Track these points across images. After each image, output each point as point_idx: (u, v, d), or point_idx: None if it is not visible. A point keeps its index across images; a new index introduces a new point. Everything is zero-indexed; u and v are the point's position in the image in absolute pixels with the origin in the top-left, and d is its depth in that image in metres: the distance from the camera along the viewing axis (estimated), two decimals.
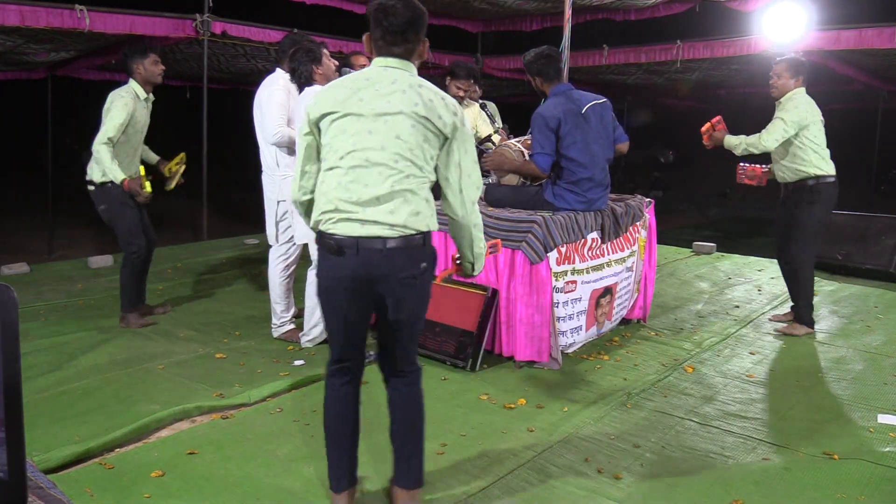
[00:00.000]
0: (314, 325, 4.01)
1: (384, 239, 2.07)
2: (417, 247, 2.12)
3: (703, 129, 4.51)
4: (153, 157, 4.79)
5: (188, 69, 8.38)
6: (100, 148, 4.18)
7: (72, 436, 2.90)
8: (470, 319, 3.81)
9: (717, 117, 4.52)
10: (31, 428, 2.93)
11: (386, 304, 2.17)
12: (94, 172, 4.35)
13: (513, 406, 3.31)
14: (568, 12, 5.22)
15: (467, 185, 2.18)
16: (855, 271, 6.08)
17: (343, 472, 2.37)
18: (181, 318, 4.78)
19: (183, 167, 4.71)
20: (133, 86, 4.36)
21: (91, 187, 4.38)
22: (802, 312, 4.48)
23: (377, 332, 2.34)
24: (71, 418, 3.11)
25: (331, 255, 2.13)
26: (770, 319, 4.79)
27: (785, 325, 4.58)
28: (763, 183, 4.60)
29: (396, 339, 2.28)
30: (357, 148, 2.08)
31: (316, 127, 2.16)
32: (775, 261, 6.75)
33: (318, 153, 2.20)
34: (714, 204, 16.47)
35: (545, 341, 3.72)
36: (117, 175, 4.21)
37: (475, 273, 2.38)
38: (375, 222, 2.07)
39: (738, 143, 4.35)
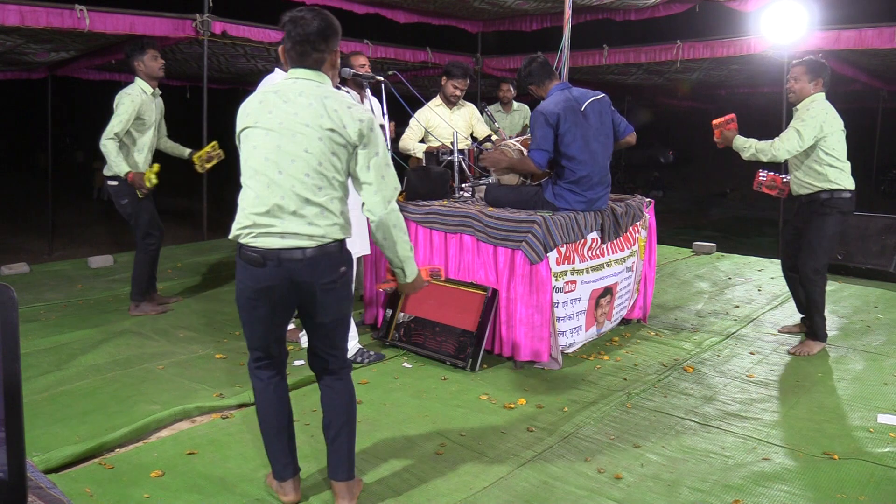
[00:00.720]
0: None
1: (303, 249, 2.17)
2: (335, 254, 2.23)
3: (715, 122, 4.25)
4: (185, 151, 5.03)
5: (188, 69, 8.38)
6: (106, 143, 4.44)
7: (72, 436, 2.91)
8: (470, 319, 3.81)
9: (731, 115, 4.26)
10: (31, 428, 2.93)
11: (310, 310, 2.29)
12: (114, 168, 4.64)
13: (513, 406, 3.31)
14: (568, 12, 5.21)
15: (382, 187, 2.24)
16: (855, 271, 6.08)
17: (287, 461, 2.45)
18: (181, 318, 4.78)
19: (217, 153, 4.89)
20: (139, 83, 4.59)
21: (114, 182, 4.61)
22: (816, 327, 4.18)
23: (308, 334, 2.42)
24: (71, 418, 3.11)
25: (251, 267, 2.21)
26: (779, 331, 4.55)
27: (797, 345, 4.21)
28: (784, 194, 4.35)
29: (326, 340, 2.37)
30: (269, 163, 2.16)
31: (238, 140, 2.27)
32: (775, 261, 6.78)
33: None
34: (714, 204, 16.49)
35: (545, 341, 3.72)
36: (122, 168, 4.47)
37: (408, 279, 2.42)
38: (295, 234, 2.16)
39: (747, 146, 4.09)
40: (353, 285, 2.39)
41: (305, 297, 2.25)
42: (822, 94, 4.02)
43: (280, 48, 2.28)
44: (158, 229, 4.82)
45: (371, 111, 4.28)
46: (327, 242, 2.20)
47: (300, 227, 2.16)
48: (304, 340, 4.07)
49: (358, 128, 2.16)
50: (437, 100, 5.27)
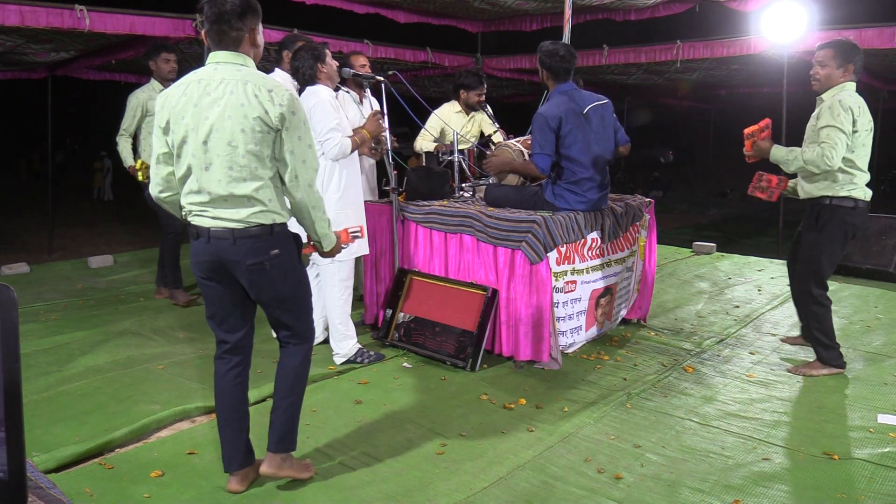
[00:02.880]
0: None
1: (231, 230, 2.28)
2: (264, 236, 2.30)
3: (748, 131, 3.71)
4: None
5: (188, 69, 8.36)
6: (118, 139, 4.91)
7: (72, 436, 2.91)
8: (470, 319, 3.81)
9: (766, 121, 3.72)
10: (31, 428, 2.93)
11: (245, 288, 2.38)
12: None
13: (513, 406, 3.31)
14: (568, 12, 5.21)
15: (302, 170, 2.29)
16: (855, 271, 6.08)
17: (232, 454, 2.51)
18: (181, 318, 4.78)
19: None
20: (152, 82, 4.97)
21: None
22: (816, 350, 3.81)
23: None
24: (71, 418, 3.11)
25: (193, 241, 2.37)
26: (782, 340, 4.30)
27: (801, 365, 3.85)
28: (773, 198, 3.84)
29: (271, 318, 2.50)
30: (196, 160, 2.24)
31: (162, 130, 2.31)
32: (776, 260, 6.80)
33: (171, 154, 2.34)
34: (714, 204, 16.50)
35: (545, 341, 3.72)
36: (128, 162, 4.93)
37: (326, 249, 2.53)
38: (223, 219, 2.28)
39: (791, 157, 3.51)
40: (298, 266, 2.45)
41: (237, 275, 2.33)
42: (853, 84, 3.54)
43: (203, 31, 2.32)
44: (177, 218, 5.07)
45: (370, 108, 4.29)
46: (255, 225, 2.28)
47: (228, 213, 2.27)
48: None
49: (279, 112, 2.20)
50: (456, 105, 5.23)
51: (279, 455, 2.54)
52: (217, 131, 2.20)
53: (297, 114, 2.24)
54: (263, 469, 2.54)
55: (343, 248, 2.64)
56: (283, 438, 2.55)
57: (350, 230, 2.74)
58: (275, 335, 2.58)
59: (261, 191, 2.26)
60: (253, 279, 2.33)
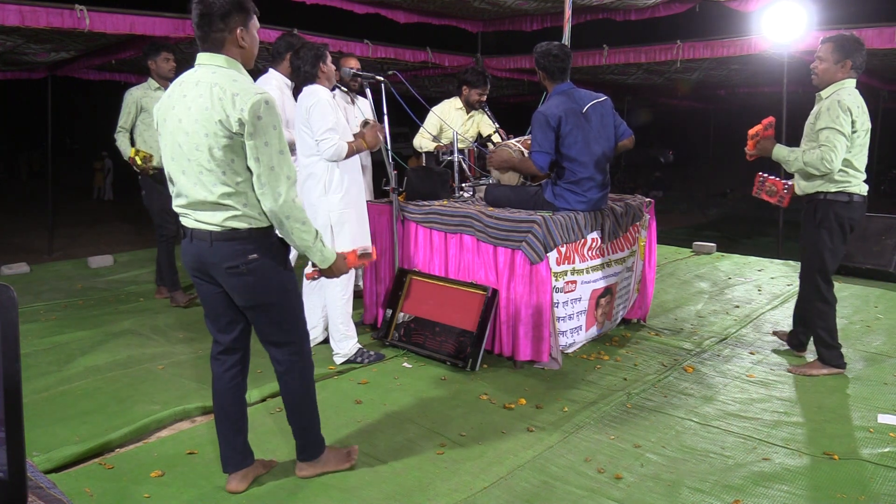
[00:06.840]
0: (313, 326, 4.01)
1: (210, 232, 2.26)
2: (241, 240, 2.26)
3: (752, 131, 3.73)
4: None
5: (188, 69, 8.35)
6: (116, 136, 5.01)
7: (72, 436, 2.91)
8: (470, 319, 3.81)
9: (769, 119, 3.75)
10: (31, 428, 2.93)
11: (227, 292, 2.36)
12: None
13: (513, 406, 3.31)
14: (568, 12, 5.22)
15: (270, 178, 2.17)
16: (855, 271, 6.08)
17: (230, 454, 2.53)
18: (181, 318, 4.78)
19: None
20: (149, 81, 5.03)
21: (139, 175, 5.06)
22: (818, 349, 3.81)
23: None
24: (71, 418, 3.11)
25: (183, 240, 2.38)
26: (773, 333, 4.37)
27: (801, 365, 3.88)
28: (784, 203, 3.90)
29: (255, 326, 2.45)
30: (174, 163, 2.25)
31: (159, 135, 2.33)
32: (776, 260, 6.80)
33: None
34: (714, 204, 16.51)
35: (545, 341, 3.72)
36: (126, 153, 4.99)
37: (322, 266, 2.41)
38: (203, 222, 2.27)
39: (792, 158, 3.56)
40: (282, 273, 2.37)
41: (217, 278, 2.32)
42: (852, 82, 3.53)
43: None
44: (175, 221, 4.99)
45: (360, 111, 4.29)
46: (233, 228, 2.24)
47: (205, 217, 2.25)
48: None
49: (238, 117, 2.10)
50: (458, 102, 5.21)
51: (304, 463, 2.59)
52: (187, 135, 2.16)
53: (263, 119, 2.11)
54: (300, 475, 2.60)
55: (346, 269, 2.52)
56: (306, 448, 2.59)
57: (359, 251, 2.58)
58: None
59: (231, 197, 2.19)
60: (231, 283, 2.30)
